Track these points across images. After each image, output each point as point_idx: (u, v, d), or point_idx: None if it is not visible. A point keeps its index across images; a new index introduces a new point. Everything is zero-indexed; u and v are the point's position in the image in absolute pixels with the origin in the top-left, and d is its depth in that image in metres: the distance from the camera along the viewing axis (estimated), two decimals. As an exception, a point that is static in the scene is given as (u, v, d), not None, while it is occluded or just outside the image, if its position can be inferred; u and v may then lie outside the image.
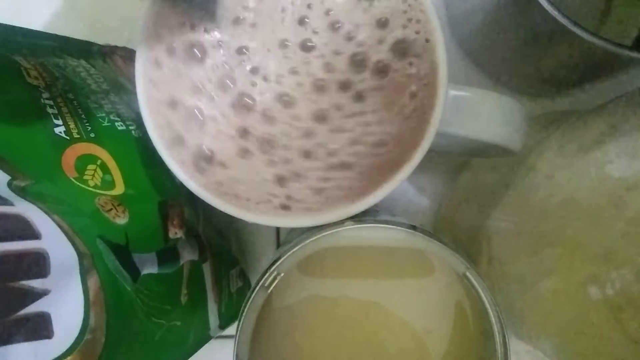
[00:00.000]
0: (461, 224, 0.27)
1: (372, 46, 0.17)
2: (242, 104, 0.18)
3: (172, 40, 0.17)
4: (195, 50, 0.18)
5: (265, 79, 0.18)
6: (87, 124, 0.18)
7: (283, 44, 0.18)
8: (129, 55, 0.24)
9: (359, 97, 0.17)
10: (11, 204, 0.14)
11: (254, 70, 0.18)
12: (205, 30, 0.18)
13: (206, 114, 0.18)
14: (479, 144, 0.19)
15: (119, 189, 0.17)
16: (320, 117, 0.17)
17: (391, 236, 0.17)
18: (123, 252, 0.17)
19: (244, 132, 0.18)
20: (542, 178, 0.21)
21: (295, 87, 0.18)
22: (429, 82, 0.17)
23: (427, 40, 0.17)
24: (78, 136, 0.17)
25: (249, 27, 0.18)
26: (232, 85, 0.18)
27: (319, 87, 0.18)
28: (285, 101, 0.18)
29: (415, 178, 0.29)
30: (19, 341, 0.14)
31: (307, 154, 0.17)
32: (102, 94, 0.20)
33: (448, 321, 0.18)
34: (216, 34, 0.18)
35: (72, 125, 0.17)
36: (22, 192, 0.15)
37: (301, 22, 0.18)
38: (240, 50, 0.18)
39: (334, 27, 0.17)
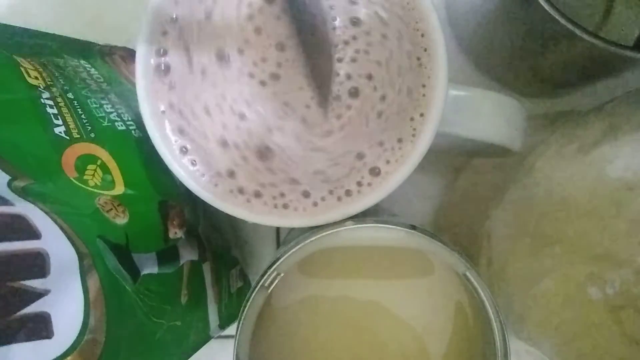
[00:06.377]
0: (461, 224, 0.27)
1: None
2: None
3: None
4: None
5: (269, 74, 0.17)
6: (87, 124, 0.18)
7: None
8: (129, 55, 0.24)
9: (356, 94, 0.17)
10: (11, 204, 0.14)
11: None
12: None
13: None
14: (479, 144, 0.19)
15: (119, 189, 0.17)
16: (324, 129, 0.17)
17: (391, 236, 0.17)
18: (123, 252, 0.17)
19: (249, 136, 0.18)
20: (542, 178, 0.21)
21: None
22: (429, 82, 0.17)
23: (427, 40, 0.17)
24: (78, 136, 0.17)
25: None
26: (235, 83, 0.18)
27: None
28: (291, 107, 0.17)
29: (415, 178, 0.29)
30: (19, 341, 0.14)
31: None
32: (102, 94, 0.20)
33: (448, 321, 0.18)
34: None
35: (72, 125, 0.17)
36: (22, 192, 0.15)
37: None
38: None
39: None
